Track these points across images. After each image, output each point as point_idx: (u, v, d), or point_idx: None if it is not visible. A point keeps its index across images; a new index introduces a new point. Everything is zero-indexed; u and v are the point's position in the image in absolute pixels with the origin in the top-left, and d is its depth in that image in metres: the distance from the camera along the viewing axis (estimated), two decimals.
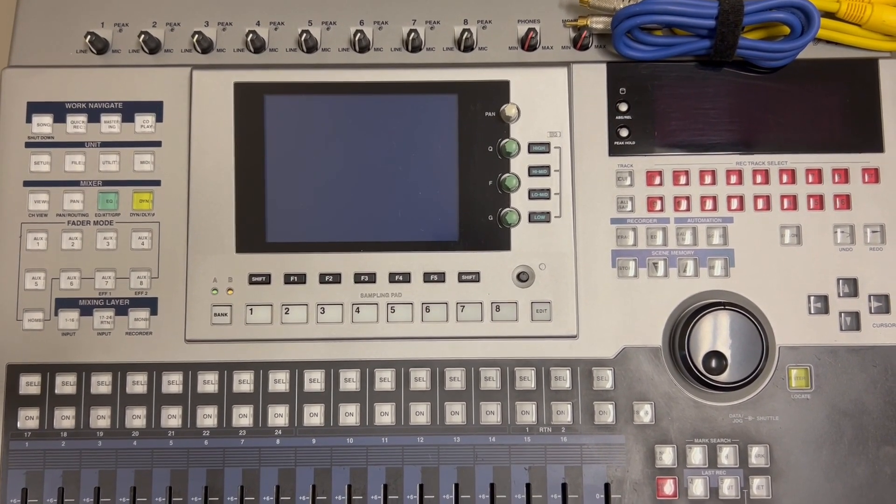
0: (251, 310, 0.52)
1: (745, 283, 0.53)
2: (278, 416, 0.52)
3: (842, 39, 0.54)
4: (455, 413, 0.52)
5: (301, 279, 0.52)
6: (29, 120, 0.54)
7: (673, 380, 0.52)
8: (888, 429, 0.51)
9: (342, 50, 0.55)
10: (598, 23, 0.54)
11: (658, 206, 0.53)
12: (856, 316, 0.52)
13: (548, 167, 0.53)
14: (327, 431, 0.52)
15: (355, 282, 0.52)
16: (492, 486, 0.51)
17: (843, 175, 0.53)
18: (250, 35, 0.54)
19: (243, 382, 0.52)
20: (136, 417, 0.52)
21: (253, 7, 0.56)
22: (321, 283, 0.52)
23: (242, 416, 0.52)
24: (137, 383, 0.52)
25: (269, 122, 0.53)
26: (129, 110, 0.54)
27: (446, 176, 0.53)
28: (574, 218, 0.53)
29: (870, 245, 0.53)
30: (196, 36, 0.54)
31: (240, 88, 0.53)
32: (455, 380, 0.52)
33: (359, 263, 0.53)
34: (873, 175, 0.53)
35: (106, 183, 0.53)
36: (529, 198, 0.53)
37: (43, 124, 0.54)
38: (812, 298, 0.53)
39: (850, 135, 0.54)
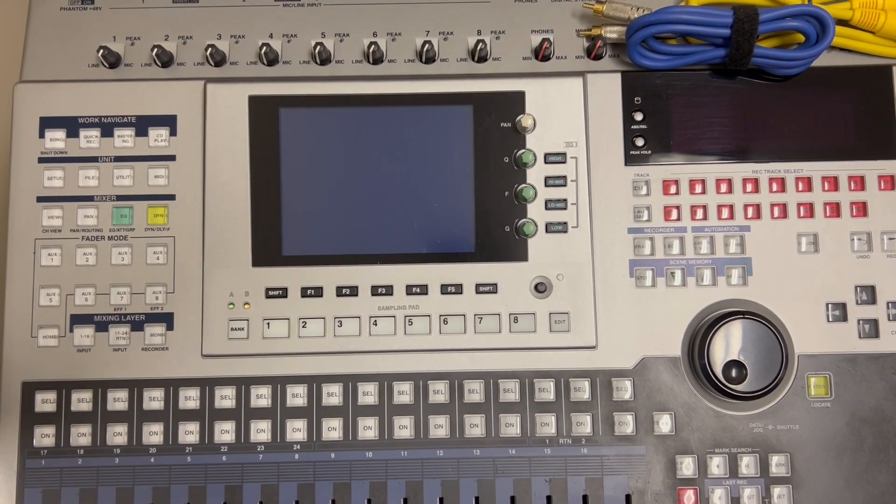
0: (268, 324, 0.52)
1: (762, 292, 0.53)
2: (296, 430, 0.51)
3: (855, 47, 0.54)
4: (474, 425, 0.51)
5: (318, 292, 0.52)
6: (42, 135, 0.53)
7: (693, 389, 0.52)
8: None
9: (356, 62, 0.55)
10: (612, 32, 0.54)
11: (675, 216, 0.53)
12: (874, 323, 0.52)
13: (564, 177, 0.53)
14: (346, 445, 0.51)
15: (372, 294, 0.52)
16: (512, 498, 0.51)
17: (859, 182, 0.53)
18: (264, 48, 0.54)
19: (261, 397, 0.52)
20: (153, 434, 0.51)
21: (266, 20, 0.56)
22: (338, 296, 0.52)
23: (260, 431, 0.51)
24: (154, 399, 0.52)
25: (283, 135, 0.53)
26: (142, 124, 0.54)
27: (462, 187, 0.53)
28: (591, 228, 0.53)
29: (887, 252, 0.53)
30: (209, 49, 0.54)
31: (254, 101, 0.53)
32: (474, 392, 0.52)
33: (375, 276, 0.52)
34: (889, 182, 0.53)
35: (120, 198, 0.53)
36: (546, 208, 0.53)
37: (56, 139, 0.54)
38: (830, 306, 0.52)
39: (866, 142, 0.54)
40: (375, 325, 0.52)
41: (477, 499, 0.51)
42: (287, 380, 0.52)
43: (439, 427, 0.51)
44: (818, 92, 0.54)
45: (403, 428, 0.51)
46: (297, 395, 0.52)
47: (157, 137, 0.54)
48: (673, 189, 0.54)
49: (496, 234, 0.53)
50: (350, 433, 0.51)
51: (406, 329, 0.52)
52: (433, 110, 0.53)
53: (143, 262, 0.53)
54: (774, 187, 0.53)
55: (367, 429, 0.51)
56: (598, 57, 0.55)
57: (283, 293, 0.52)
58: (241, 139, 0.53)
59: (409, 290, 0.52)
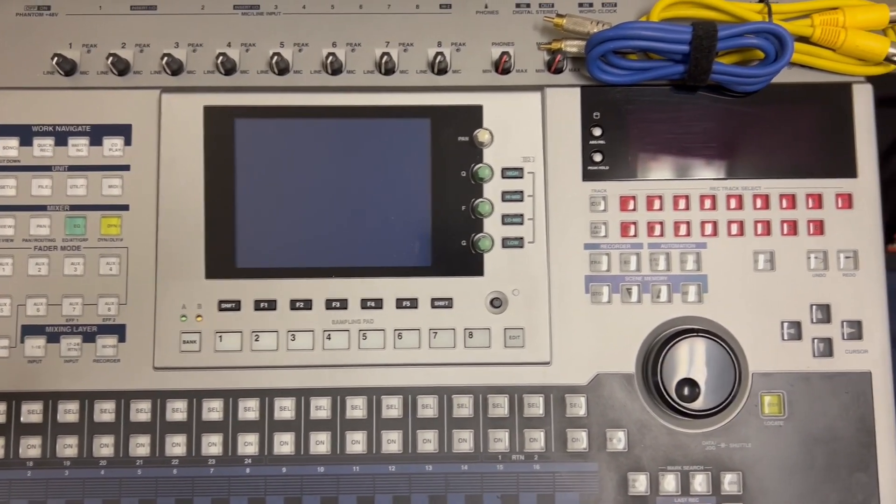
0: (220, 337, 0.51)
1: (718, 309, 0.52)
2: (248, 444, 0.51)
3: (816, 64, 0.54)
4: (427, 441, 0.51)
5: (271, 305, 0.52)
6: None
7: (646, 407, 0.52)
8: (860, 455, 0.51)
9: (314, 72, 0.55)
10: (573, 46, 0.54)
11: (632, 232, 0.53)
12: (828, 342, 0.52)
13: (521, 192, 0.53)
14: (298, 460, 0.51)
15: (327, 308, 0.52)
16: None
17: (817, 200, 0.53)
18: (220, 57, 0.53)
19: (213, 410, 0.51)
20: (104, 446, 0.51)
21: (224, 28, 0.55)
22: (292, 309, 0.52)
23: (212, 445, 0.51)
24: (105, 411, 0.51)
25: (239, 146, 0.53)
26: (97, 133, 0.53)
27: (419, 201, 0.53)
28: (547, 243, 0.53)
29: (843, 271, 0.53)
30: (165, 58, 0.53)
31: (209, 112, 0.53)
32: (427, 407, 0.52)
33: (330, 289, 0.52)
34: (846, 200, 0.53)
35: (73, 207, 0.53)
36: (503, 223, 0.53)
37: (9, 147, 0.53)
38: (785, 324, 0.52)
39: (824, 160, 0.54)
40: (329, 339, 0.52)
41: None
42: (239, 393, 0.51)
43: (392, 442, 0.51)
44: (778, 109, 0.54)
45: (356, 443, 0.51)
46: (249, 409, 0.51)
47: (112, 147, 0.53)
48: (630, 205, 0.53)
49: (452, 248, 0.52)
50: (302, 448, 0.51)
51: (360, 343, 0.52)
52: (390, 123, 0.53)
53: (95, 273, 0.52)
54: (732, 204, 0.53)
55: (320, 443, 0.51)
56: (559, 71, 0.55)
57: (237, 306, 0.52)
58: (196, 150, 0.53)
59: (364, 303, 0.52)
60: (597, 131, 0.54)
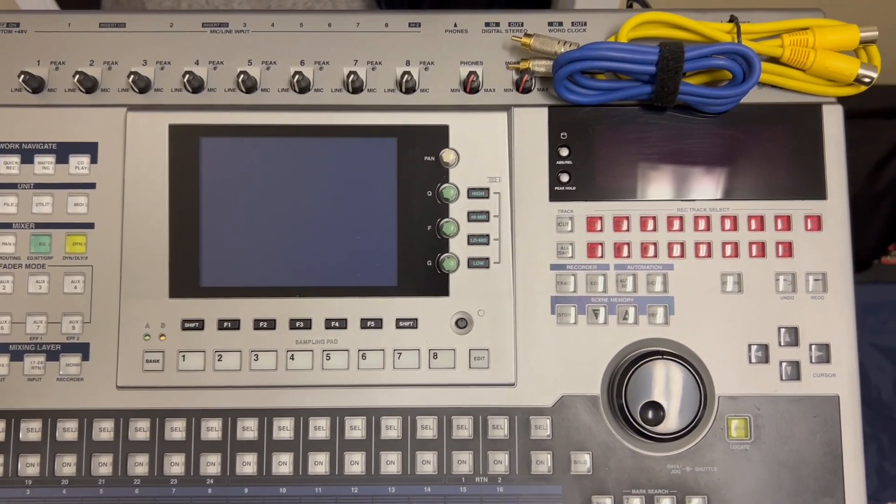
0: (183, 356, 0.51)
1: (684, 332, 0.52)
2: (210, 464, 0.51)
3: (786, 84, 0.54)
4: (391, 462, 0.51)
5: (235, 325, 0.52)
6: None
7: (611, 429, 0.51)
8: (826, 480, 0.51)
9: (282, 90, 0.54)
10: (541, 66, 0.53)
11: (598, 253, 0.53)
12: (796, 365, 0.52)
13: (487, 212, 0.53)
14: (260, 481, 0.51)
15: (290, 328, 0.52)
16: None
17: (786, 222, 0.53)
18: (187, 75, 0.53)
19: (175, 430, 0.51)
20: (67, 465, 0.51)
21: (192, 46, 0.55)
22: (255, 329, 0.52)
23: (174, 465, 0.51)
24: (68, 430, 0.51)
25: (204, 165, 0.52)
26: (63, 151, 0.53)
27: (385, 220, 0.52)
28: (513, 264, 0.52)
29: (811, 293, 0.52)
30: (132, 76, 0.53)
31: (175, 130, 0.53)
32: (391, 428, 0.51)
33: (294, 309, 0.52)
34: (816, 222, 0.53)
35: (39, 225, 0.53)
36: (468, 243, 0.52)
37: None
38: (753, 347, 0.52)
39: (794, 181, 0.53)
40: (292, 359, 0.51)
41: None
42: (202, 413, 0.51)
43: (355, 464, 0.51)
44: (747, 129, 0.54)
45: (319, 464, 0.51)
46: (211, 429, 0.51)
47: (78, 165, 0.53)
48: (597, 226, 0.53)
49: (418, 268, 0.52)
50: (265, 468, 0.51)
51: (324, 364, 0.51)
52: (357, 142, 0.53)
53: (60, 292, 0.52)
54: (700, 225, 0.53)
55: (282, 464, 0.51)
56: (527, 90, 0.54)
57: (200, 325, 0.52)
58: (161, 168, 0.52)
59: (329, 323, 0.52)
60: (564, 151, 0.53)
